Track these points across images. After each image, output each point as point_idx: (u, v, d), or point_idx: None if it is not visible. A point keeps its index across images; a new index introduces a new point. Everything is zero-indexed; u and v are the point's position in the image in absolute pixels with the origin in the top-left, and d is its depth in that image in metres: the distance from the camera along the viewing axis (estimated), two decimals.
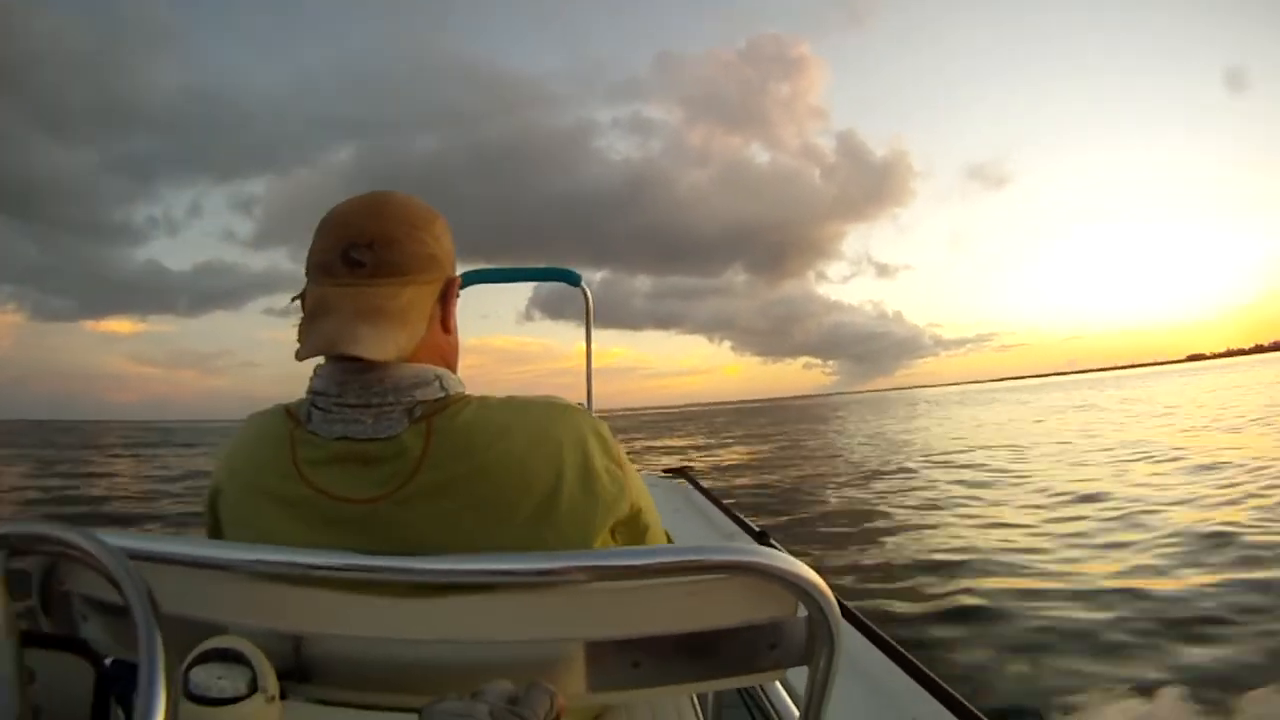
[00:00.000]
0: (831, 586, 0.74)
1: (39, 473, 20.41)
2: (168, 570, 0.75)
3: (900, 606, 5.11)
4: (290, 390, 0.89)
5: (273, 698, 0.68)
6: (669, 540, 1.00)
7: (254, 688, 0.66)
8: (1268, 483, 9.08)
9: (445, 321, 0.91)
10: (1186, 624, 4.40)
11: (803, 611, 0.75)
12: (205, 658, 0.67)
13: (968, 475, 12.57)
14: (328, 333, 0.79)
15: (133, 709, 0.59)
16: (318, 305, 0.82)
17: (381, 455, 0.79)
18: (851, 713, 1.37)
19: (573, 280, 2.43)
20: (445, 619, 0.76)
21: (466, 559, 0.73)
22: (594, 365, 2.55)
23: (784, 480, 14.38)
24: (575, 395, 2.65)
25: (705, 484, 3.55)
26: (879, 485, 12.23)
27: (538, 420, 0.83)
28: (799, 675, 0.79)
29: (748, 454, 22.85)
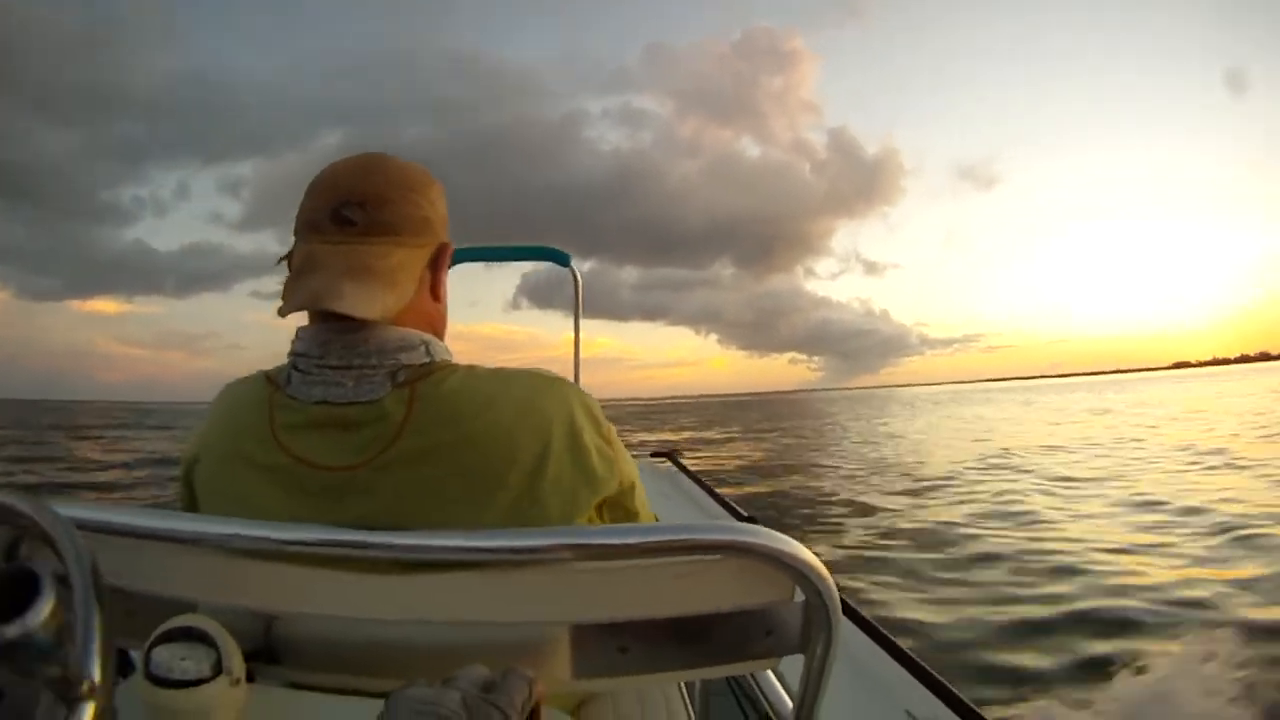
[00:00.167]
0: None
1: None
2: (131, 544, 0.72)
3: None
4: None
5: (238, 680, 0.65)
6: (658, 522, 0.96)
7: (218, 669, 0.64)
8: None
9: (435, 288, 0.88)
10: None
11: (799, 596, 0.71)
12: (169, 636, 0.64)
13: (1061, 489, 10.15)
14: (313, 288, 0.76)
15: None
16: (305, 262, 0.79)
17: (362, 420, 0.76)
18: (843, 704, 1.30)
19: (562, 260, 2.40)
20: (423, 598, 0.72)
21: (447, 535, 0.69)
22: (581, 355, 2.52)
23: (834, 489, 11.60)
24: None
25: (692, 466, 3.47)
26: (963, 504, 9.37)
27: (527, 391, 0.80)
28: (789, 664, 0.76)
29: (764, 456, 20.08)
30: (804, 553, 0.68)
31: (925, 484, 11.41)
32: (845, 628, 0.72)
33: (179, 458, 0.90)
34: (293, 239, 0.83)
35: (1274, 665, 3.56)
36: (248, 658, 0.68)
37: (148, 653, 0.63)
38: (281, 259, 0.83)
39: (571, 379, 0.89)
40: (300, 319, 0.83)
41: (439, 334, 0.87)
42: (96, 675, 0.48)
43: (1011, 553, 6.32)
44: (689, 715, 1.03)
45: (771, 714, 1.05)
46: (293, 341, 0.82)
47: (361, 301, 0.75)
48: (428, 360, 0.80)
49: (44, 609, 0.45)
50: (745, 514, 2.47)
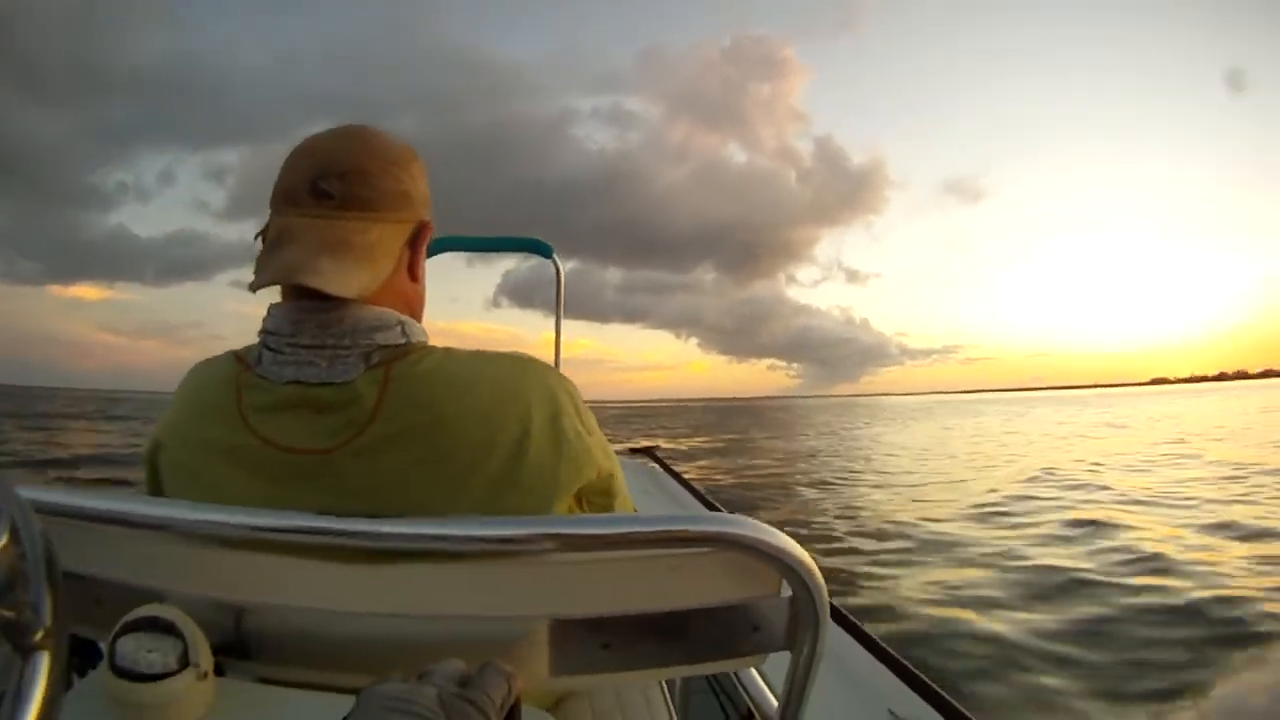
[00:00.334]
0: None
1: None
2: (97, 530, 0.69)
3: None
4: None
5: (205, 674, 0.63)
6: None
7: (185, 662, 0.61)
8: None
9: (413, 268, 0.85)
10: None
11: (785, 591, 0.69)
12: (134, 626, 0.62)
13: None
14: (288, 262, 0.73)
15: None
16: (280, 235, 0.76)
17: (334, 402, 0.73)
18: (825, 703, 1.25)
19: (545, 251, 2.36)
20: (399, 589, 0.70)
21: (423, 523, 0.66)
22: (561, 355, 2.48)
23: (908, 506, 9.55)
24: None
25: (673, 464, 3.44)
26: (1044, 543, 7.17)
27: (506, 374, 0.78)
28: (772, 661, 0.74)
29: (791, 469, 16.72)
30: (793, 546, 0.66)
31: (1013, 513, 8.87)
32: (829, 628, 0.69)
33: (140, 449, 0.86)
34: (269, 213, 0.80)
35: None
36: (216, 651, 0.65)
37: (113, 644, 0.61)
38: (258, 235, 0.80)
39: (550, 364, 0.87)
40: (273, 296, 0.80)
41: (416, 315, 0.85)
42: (49, 619, 0.45)
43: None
44: (670, 713, 1.02)
45: (755, 712, 1.02)
46: (264, 319, 0.78)
47: (338, 278, 0.73)
48: (404, 341, 0.77)
49: None
50: (726, 512, 2.51)
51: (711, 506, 2.62)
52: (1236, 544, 6.69)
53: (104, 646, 0.63)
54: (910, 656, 1.58)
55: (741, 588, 0.70)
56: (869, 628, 1.68)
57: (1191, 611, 4.77)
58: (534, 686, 0.69)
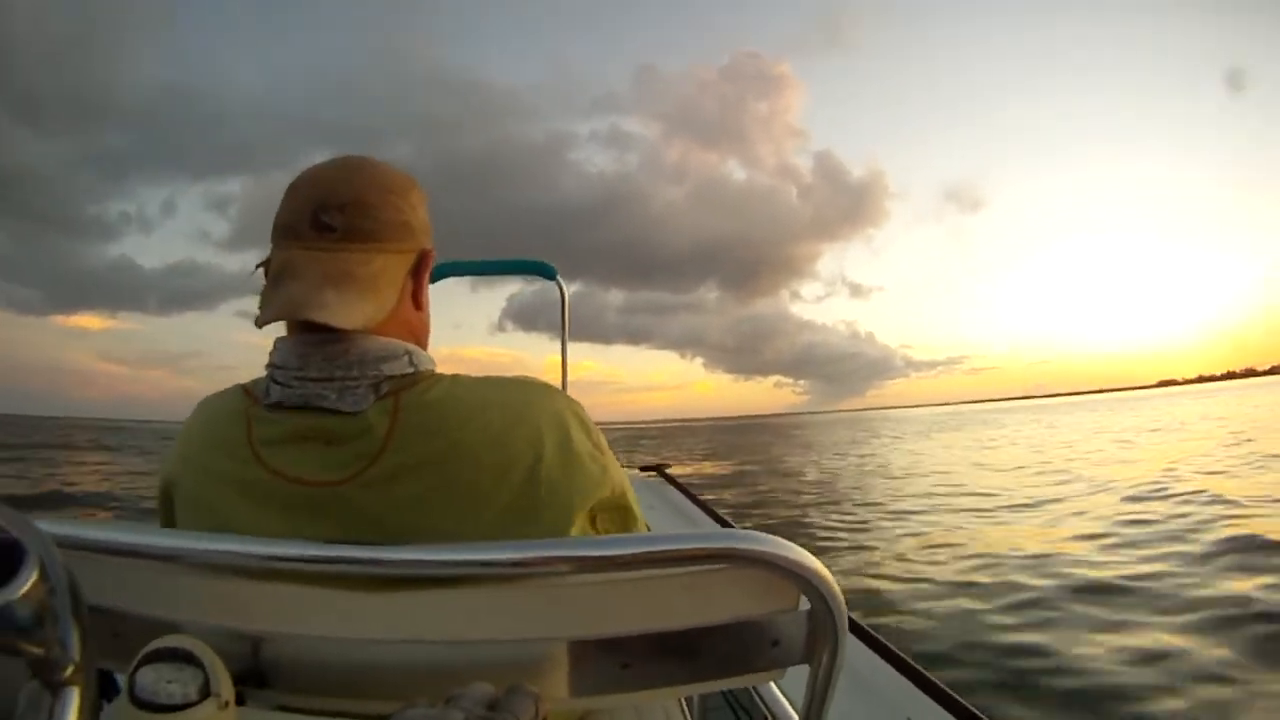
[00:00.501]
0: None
1: None
2: (114, 562, 0.69)
3: None
4: None
5: (226, 704, 0.62)
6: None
7: (206, 692, 0.61)
8: None
9: (417, 296, 0.85)
10: None
11: (803, 605, 0.69)
12: (154, 657, 0.61)
13: None
14: (293, 297, 0.73)
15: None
16: (282, 269, 0.76)
17: (344, 433, 0.73)
18: (847, 716, 1.26)
19: (548, 273, 2.36)
20: (416, 616, 0.70)
21: (437, 550, 0.66)
22: (567, 377, 2.45)
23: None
24: None
25: (684, 482, 3.41)
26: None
27: (515, 398, 0.78)
28: (790, 676, 0.74)
29: (887, 507, 11.42)
30: (810, 560, 0.66)
31: (1177, 533, 7.23)
32: (848, 642, 0.70)
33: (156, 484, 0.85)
34: (270, 245, 0.80)
35: None
36: (236, 680, 0.65)
37: (132, 675, 0.60)
38: (259, 265, 0.80)
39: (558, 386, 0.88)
40: (278, 330, 0.80)
41: (422, 343, 0.85)
42: (77, 655, 0.46)
43: None
44: None
45: None
46: (270, 353, 0.79)
47: (342, 311, 0.73)
48: (411, 370, 0.77)
49: (25, 581, 0.44)
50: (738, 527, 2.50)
51: (723, 522, 2.61)
52: None
53: (121, 679, 0.63)
54: (929, 666, 1.56)
55: (759, 603, 0.70)
56: (886, 639, 1.66)
57: None
58: (554, 708, 0.68)
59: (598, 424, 0.85)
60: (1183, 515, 8.26)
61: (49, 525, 0.66)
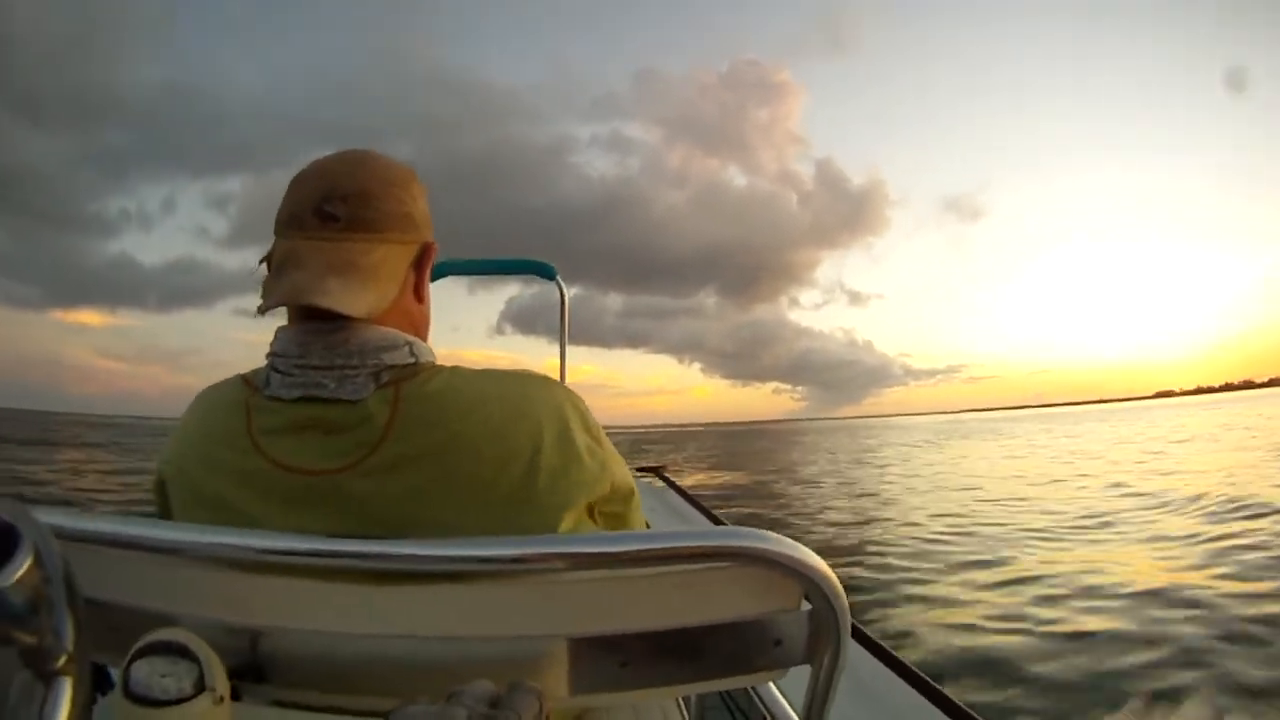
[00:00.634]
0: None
1: None
2: (111, 554, 0.68)
3: None
4: None
5: (222, 698, 0.61)
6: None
7: (201, 687, 0.60)
8: None
9: (418, 289, 0.86)
10: None
11: (805, 605, 0.68)
12: (149, 651, 0.60)
13: None
14: (296, 284, 0.73)
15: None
16: (286, 258, 0.77)
17: (344, 422, 0.73)
18: (848, 718, 1.24)
19: (548, 273, 2.34)
20: (415, 611, 0.69)
21: (437, 544, 0.65)
22: (565, 379, 2.45)
23: None
24: None
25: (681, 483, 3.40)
26: None
27: (516, 391, 0.78)
28: (790, 676, 0.73)
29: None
30: (814, 559, 0.65)
31: None
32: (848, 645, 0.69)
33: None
34: (273, 238, 0.81)
35: None
36: (232, 675, 0.64)
37: (127, 669, 0.59)
38: (262, 260, 0.80)
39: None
40: (279, 322, 0.80)
41: (422, 335, 0.85)
42: (71, 645, 0.46)
43: None
44: None
45: None
46: (271, 342, 0.79)
47: (345, 298, 0.73)
48: (412, 361, 0.77)
49: (20, 567, 0.43)
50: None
51: (718, 522, 2.60)
52: None
53: (115, 673, 0.61)
54: (929, 671, 1.55)
55: (761, 602, 0.69)
56: (887, 643, 1.65)
57: None
58: (553, 705, 0.67)
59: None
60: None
61: (46, 514, 0.64)
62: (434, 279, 0.90)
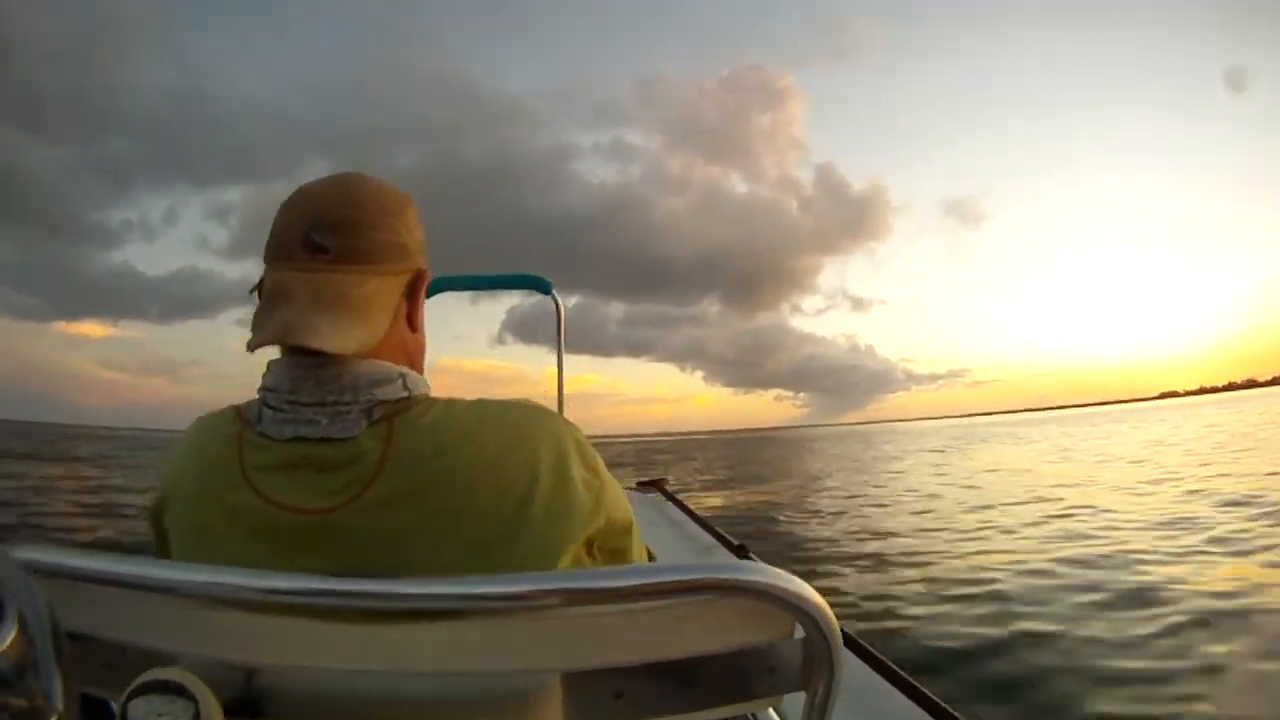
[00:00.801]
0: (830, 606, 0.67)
1: None
2: (107, 592, 0.68)
3: None
4: None
5: None
6: (651, 557, 0.92)
7: None
8: None
9: (411, 318, 0.84)
10: None
11: (799, 632, 0.68)
12: (144, 689, 0.61)
13: None
14: (284, 321, 0.72)
15: None
16: (275, 291, 0.75)
17: (336, 460, 0.72)
18: None
19: (544, 288, 2.35)
20: (409, 648, 0.69)
21: (431, 583, 0.65)
22: (565, 391, 2.45)
23: None
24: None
25: (681, 496, 3.37)
26: None
27: (510, 423, 0.77)
28: (787, 702, 0.73)
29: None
30: (804, 588, 0.65)
31: None
32: (849, 661, 0.67)
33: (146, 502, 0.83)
34: (263, 264, 0.80)
35: None
36: (228, 711, 0.64)
37: (124, 706, 0.60)
38: (253, 289, 0.79)
39: (555, 410, 0.86)
40: (273, 350, 0.79)
41: (417, 365, 0.84)
42: (61, 705, 0.46)
43: None
44: None
45: None
46: (263, 376, 0.78)
47: (334, 336, 0.72)
48: (405, 394, 0.76)
49: (4, 638, 0.43)
50: (736, 543, 2.40)
51: (722, 539, 2.58)
52: None
53: (115, 705, 0.62)
54: (930, 685, 1.54)
55: (754, 631, 0.69)
56: (887, 657, 1.64)
57: None
58: None
59: (597, 437, 0.84)
60: None
61: (39, 551, 0.68)
62: (430, 295, 0.89)
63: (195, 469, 0.79)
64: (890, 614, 5.46)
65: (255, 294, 0.79)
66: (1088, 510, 10.08)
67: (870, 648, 1.66)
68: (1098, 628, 4.80)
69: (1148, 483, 13.45)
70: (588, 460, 0.80)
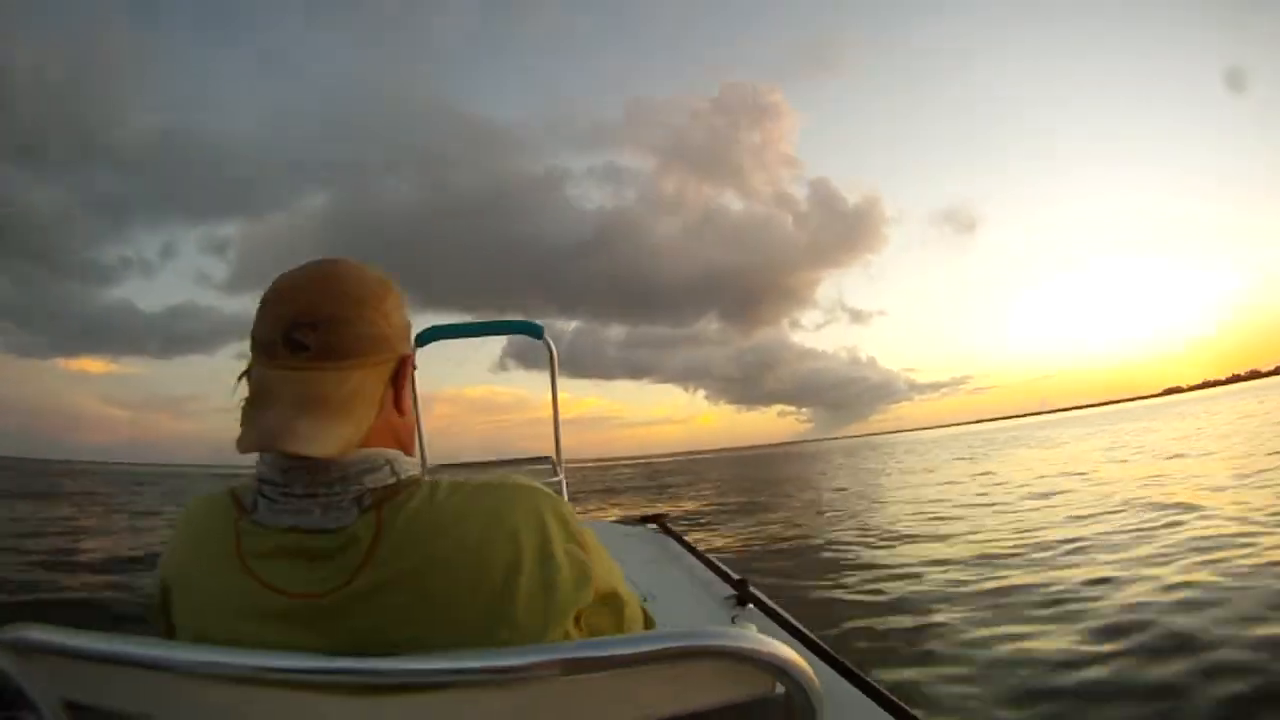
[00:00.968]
0: (831, 646, 0.75)
1: None
2: (106, 669, 0.74)
3: None
4: None
5: None
6: (646, 616, 0.97)
7: None
8: None
9: (398, 402, 0.86)
10: None
11: (780, 689, 0.71)
12: None
13: None
14: (268, 426, 0.74)
15: None
16: (258, 390, 0.78)
17: (329, 549, 0.75)
18: None
19: (535, 333, 2.43)
20: None
21: (427, 659, 0.69)
22: (566, 415, 2.53)
23: None
24: (545, 445, 2.73)
25: (681, 532, 3.23)
26: None
27: (492, 505, 0.79)
28: None
29: None
30: (781, 650, 0.68)
31: None
32: (851, 695, 0.88)
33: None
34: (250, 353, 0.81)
35: None
36: None
37: None
38: (241, 375, 0.81)
39: (552, 446, 0.99)
40: None
41: (405, 446, 0.86)
42: None
43: None
44: None
45: None
46: (257, 465, 0.80)
47: (317, 440, 0.73)
48: (393, 480, 0.78)
49: None
50: (737, 577, 2.18)
51: (723, 574, 2.38)
52: None
53: None
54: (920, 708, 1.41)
55: (739, 688, 0.72)
56: (881, 685, 1.48)
57: None
58: None
59: (601, 461, 1.14)
60: None
61: (41, 631, 0.73)
62: (422, 345, 1.00)
63: (193, 555, 0.82)
64: None
65: (244, 380, 0.80)
66: (1207, 511, 7.63)
67: (873, 682, 1.51)
68: None
69: (1239, 476, 10.51)
70: (572, 534, 0.82)
